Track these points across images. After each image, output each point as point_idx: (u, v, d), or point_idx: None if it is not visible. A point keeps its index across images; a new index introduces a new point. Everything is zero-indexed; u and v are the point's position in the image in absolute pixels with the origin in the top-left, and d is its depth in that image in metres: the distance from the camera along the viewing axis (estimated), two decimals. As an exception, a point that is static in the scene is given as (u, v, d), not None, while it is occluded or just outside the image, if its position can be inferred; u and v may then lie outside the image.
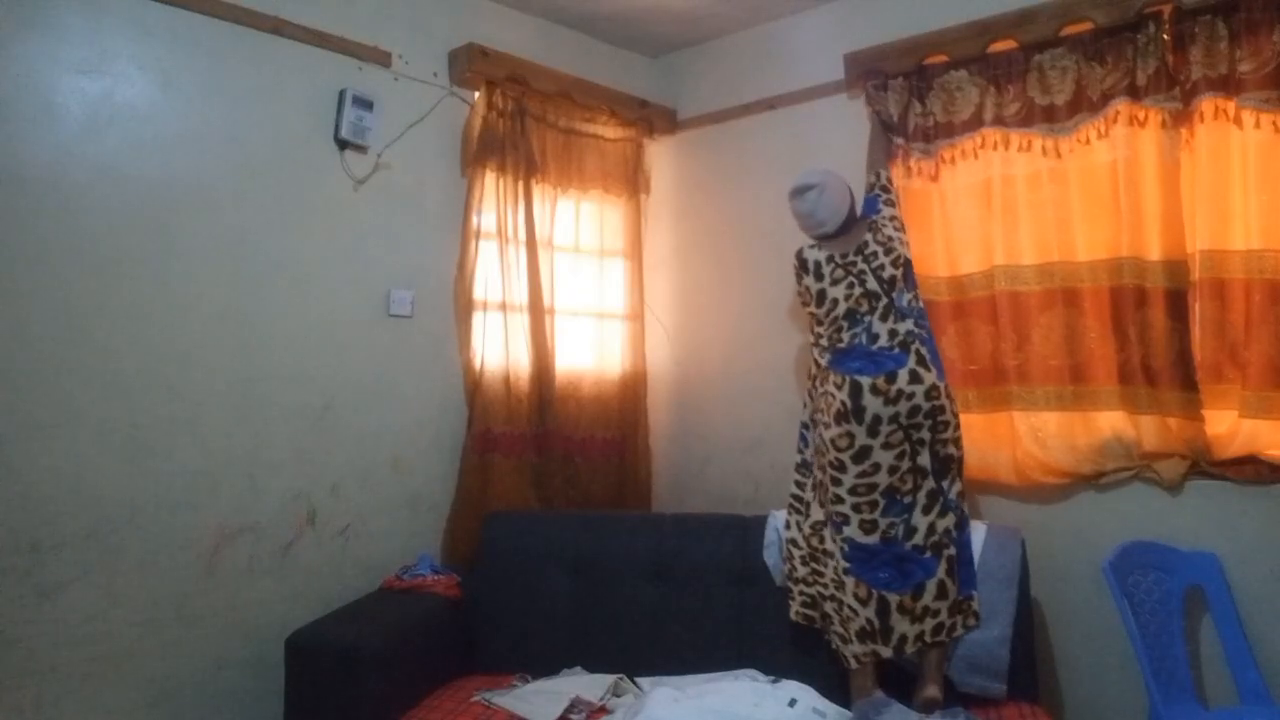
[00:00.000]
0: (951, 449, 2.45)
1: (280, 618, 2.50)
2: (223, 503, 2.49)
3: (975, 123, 2.82)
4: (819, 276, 2.59)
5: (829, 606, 2.46)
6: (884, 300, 2.52)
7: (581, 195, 3.42)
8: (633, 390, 3.50)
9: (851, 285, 2.54)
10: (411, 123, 2.95)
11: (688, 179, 3.75)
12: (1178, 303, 2.44)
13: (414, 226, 2.96)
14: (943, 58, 2.89)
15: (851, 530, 2.39)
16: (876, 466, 2.39)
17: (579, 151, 3.40)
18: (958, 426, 2.48)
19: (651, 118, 3.65)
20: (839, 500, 2.42)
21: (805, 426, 2.72)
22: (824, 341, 2.58)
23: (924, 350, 2.47)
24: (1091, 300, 2.61)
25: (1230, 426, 2.41)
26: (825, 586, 2.47)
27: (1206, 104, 2.42)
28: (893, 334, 2.48)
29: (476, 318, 3.07)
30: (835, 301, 2.54)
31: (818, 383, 2.60)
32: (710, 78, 3.66)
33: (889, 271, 2.55)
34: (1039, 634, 2.61)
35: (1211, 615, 2.39)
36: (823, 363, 2.57)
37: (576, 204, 3.42)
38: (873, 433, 2.38)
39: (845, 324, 2.53)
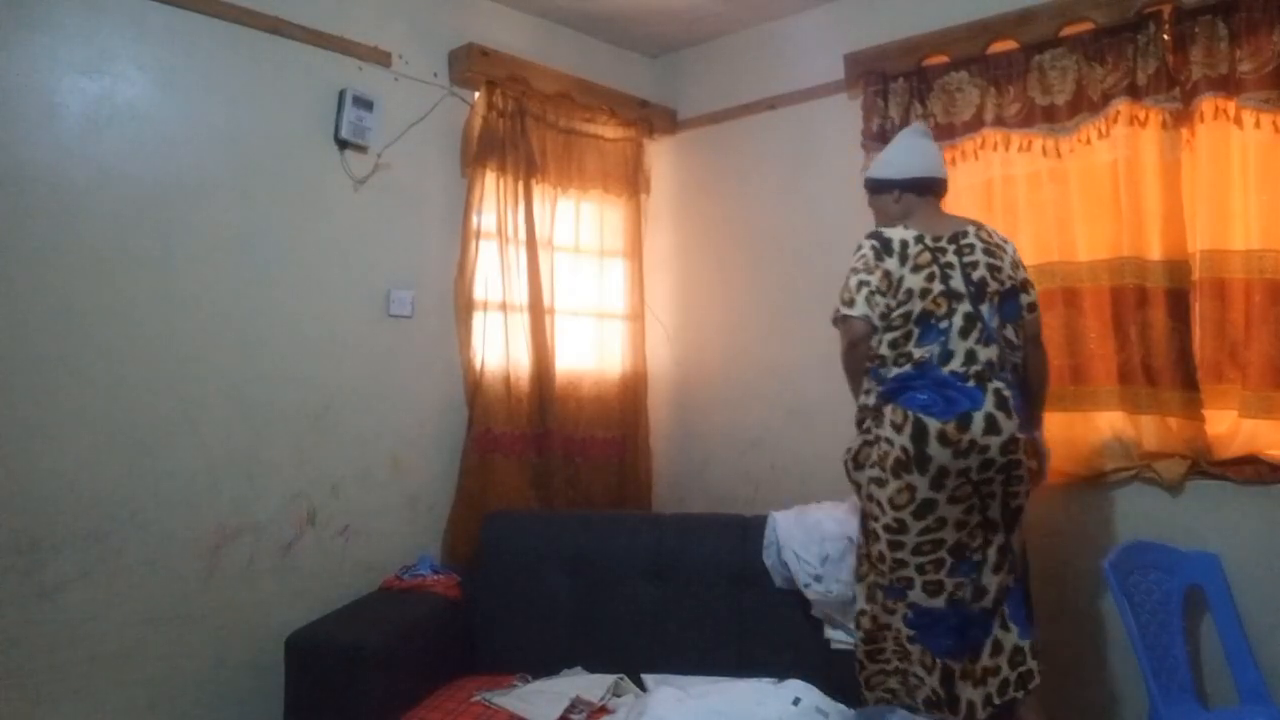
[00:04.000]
0: (1023, 500, 2.15)
1: (280, 618, 2.49)
2: (223, 503, 2.49)
3: (976, 123, 2.82)
4: (902, 258, 2.14)
5: (893, 681, 2.21)
6: (966, 307, 2.10)
7: (581, 195, 3.42)
8: (633, 390, 3.50)
9: (932, 277, 2.12)
10: (411, 123, 2.95)
11: (688, 179, 3.75)
12: (1178, 302, 2.44)
13: (414, 226, 2.96)
14: (943, 58, 2.89)
15: (915, 595, 2.09)
16: (942, 521, 2.06)
17: (579, 151, 3.40)
18: (1030, 480, 2.19)
19: (651, 118, 3.65)
20: (901, 565, 2.10)
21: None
22: (884, 352, 2.13)
23: (1006, 391, 2.07)
24: (1092, 300, 2.61)
25: (1230, 426, 2.42)
26: (888, 661, 2.21)
27: (1207, 104, 2.41)
28: (970, 358, 2.08)
29: (476, 318, 3.07)
30: (909, 294, 2.11)
31: (867, 425, 2.18)
32: (710, 78, 3.66)
33: (981, 273, 2.15)
34: (1039, 633, 2.61)
35: (1211, 615, 2.39)
36: (875, 394, 2.14)
37: (576, 204, 3.42)
38: (937, 485, 2.03)
39: (916, 330, 2.11)
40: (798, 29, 3.37)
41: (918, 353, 2.09)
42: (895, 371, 2.11)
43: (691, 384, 3.67)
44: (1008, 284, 2.18)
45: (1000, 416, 2.04)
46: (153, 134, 2.39)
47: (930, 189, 2.32)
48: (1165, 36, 2.46)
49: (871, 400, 2.16)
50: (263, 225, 2.60)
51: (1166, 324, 2.44)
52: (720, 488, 3.49)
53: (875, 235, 2.22)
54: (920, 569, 2.08)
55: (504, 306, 3.11)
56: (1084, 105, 2.61)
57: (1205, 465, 2.44)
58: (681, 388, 3.69)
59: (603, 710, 2.40)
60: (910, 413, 2.04)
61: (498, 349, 3.11)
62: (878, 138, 2.99)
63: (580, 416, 3.35)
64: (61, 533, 2.20)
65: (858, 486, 2.22)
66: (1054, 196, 2.68)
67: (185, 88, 2.45)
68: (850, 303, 2.15)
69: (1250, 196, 2.37)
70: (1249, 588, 2.36)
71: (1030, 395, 2.25)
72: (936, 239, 2.17)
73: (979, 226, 2.26)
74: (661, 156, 3.77)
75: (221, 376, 2.50)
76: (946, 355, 2.08)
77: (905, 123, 2.95)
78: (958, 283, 2.13)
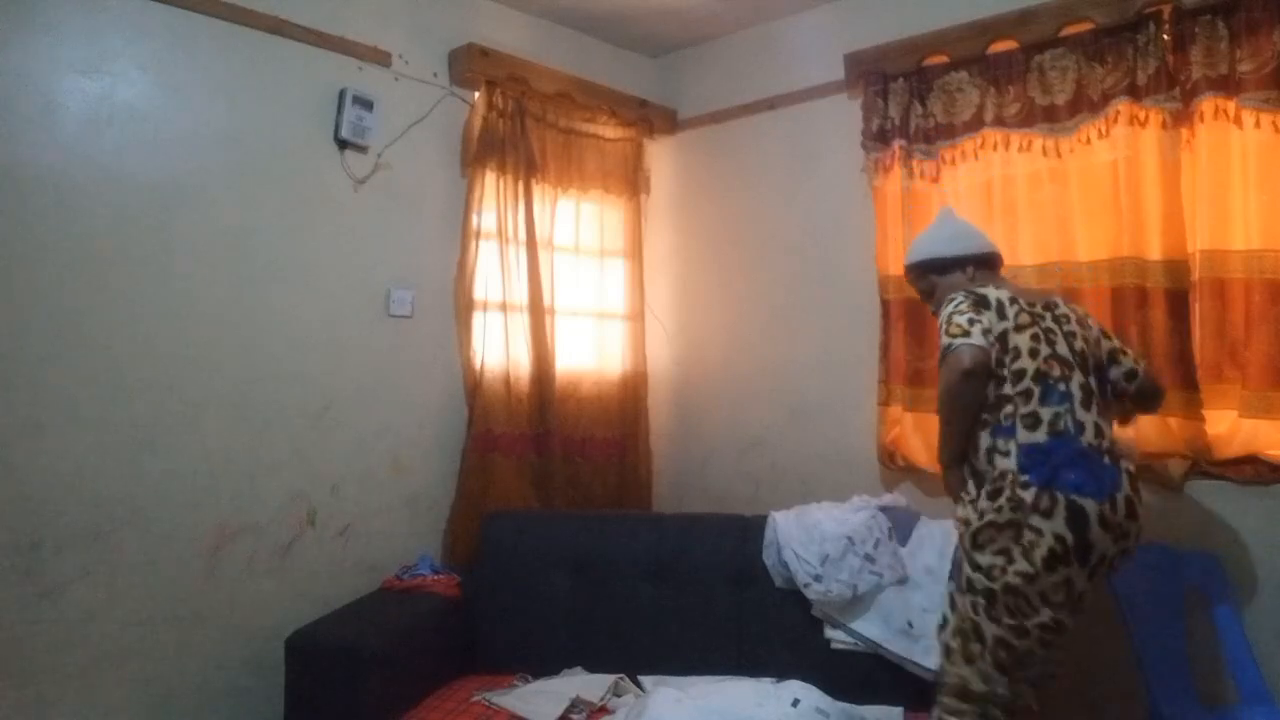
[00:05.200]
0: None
1: (280, 618, 2.49)
2: (223, 503, 2.49)
3: (976, 123, 2.82)
4: (1001, 314, 1.99)
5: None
6: (1079, 377, 1.95)
7: (581, 195, 3.42)
8: (633, 390, 3.50)
9: (1038, 338, 1.96)
10: (411, 123, 2.95)
11: (688, 179, 3.75)
12: (1178, 302, 2.44)
13: (414, 226, 2.96)
14: (943, 58, 2.89)
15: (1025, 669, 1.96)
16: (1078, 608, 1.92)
17: (579, 151, 3.40)
18: None
19: (651, 118, 3.65)
20: (1027, 650, 1.91)
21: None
22: (1006, 409, 1.92)
23: (1133, 471, 1.95)
24: (1092, 300, 2.61)
25: (1230, 426, 2.41)
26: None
27: (1207, 104, 2.41)
28: (1098, 432, 1.92)
29: (477, 318, 3.07)
30: (1018, 352, 1.94)
31: (998, 503, 1.89)
32: (710, 78, 3.66)
33: (1080, 344, 2.01)
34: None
35: (1211, 615, 2.39)
36: (1011, 467, 1.89)
37: (576, 204, 3.42)
38: (1093, 574, 1.87)
39: (1036, 389, 1.92)
40: (798, 29, 3.37)
41: (1046, 413, 1.90)
42: (1030, 439, 1.89)
43: (691, 384, 3.67)
44: (1103, 357, 2.08)
45: (1137, 501, 1.91)
46: (153, 134, 2.39)
47: (998, 264, 2.28)
48: (1165, 36, 2.46)
49: (1000, 469, 1.91)
50: (263, 225, 2.60)
51: (1166, 324, 2.44)
52: (720, 488, 3.49)
53: (967, 292, 2.04)
54: (1043, 643, 1.92)
55: (504, 306, 3.11)
56: (1084, 105, 2.62)
57: (1205, 465, 2.44)
58: (681, 388, 3.70)
59: (603, 710, 2.40)
60: (1062, 497, 1.82)
61: (498, 349, 3.11)
62: (878, 138, 3.00)
63: (580, 416, 3.35)
64: (61, 533, 2.20)
65: (975, 567, 1.92)
66: (1054, 196, 2.68)
67: (185, 88, 2.45)
68: (964, 333, 1.92)
69: (1250, 196, 2.37)
70: (1249, 588, 2.36)
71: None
72: (1030, 304, 2.03)
73: (1060, 300, 2.14)
74: (661, 156, 3.77)
75: (221, 376, 2.50)
76: (1079, 426, 1.90)
77: (905, 122, 2.95)
78: (1064, 350, 1.97)
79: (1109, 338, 2.15)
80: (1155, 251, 2.46)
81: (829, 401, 3.21)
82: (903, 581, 2.59)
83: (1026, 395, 1.91)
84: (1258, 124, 2.34)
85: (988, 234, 2.36)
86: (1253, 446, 2.37)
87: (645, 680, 2.57)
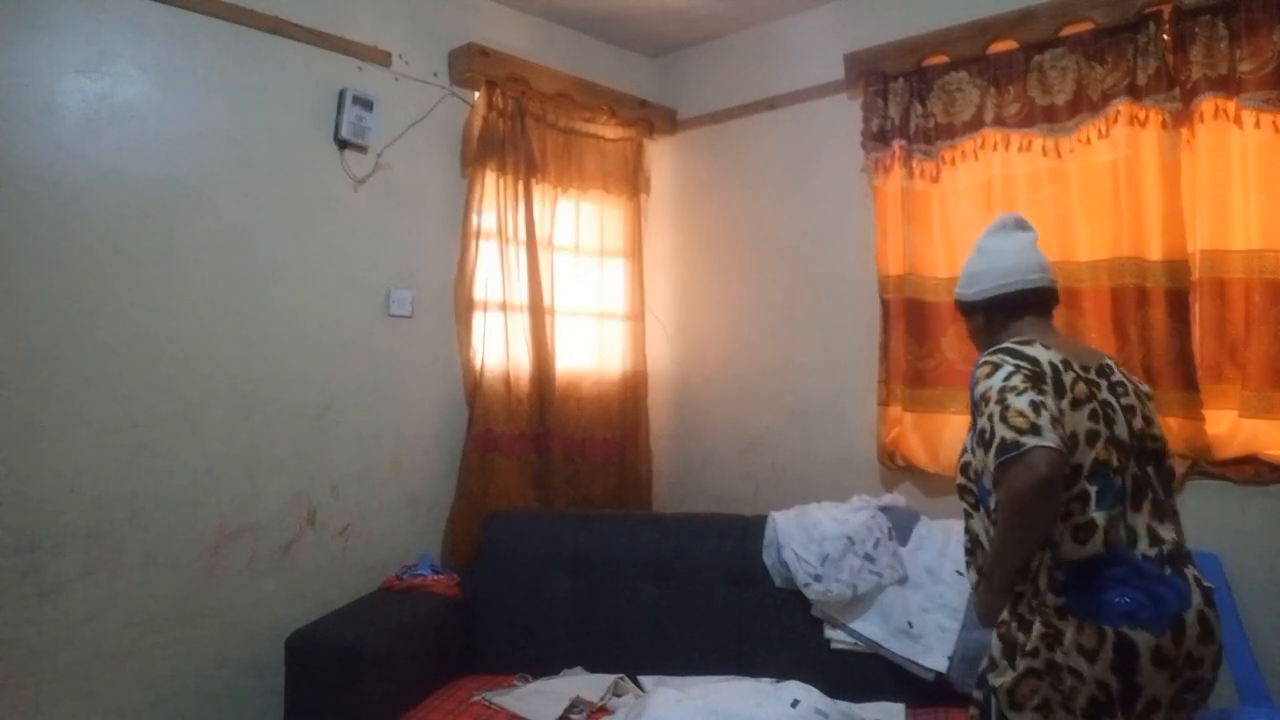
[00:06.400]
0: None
1: (280, 618, 2.50)
2: (223, 503, 2.49)
3: (976, 123, 2.82)
4: (1058, 387, 1.53)
5: None
6: (1134, 468, 1.55)
7: (581, 195, 3.42)
8: (633, 390, 3.50)
9: (1095, 416, 1.54)
10: (411, 123, 2.95)
11: (688, 179, 3.75)
12: (1178, 302, 2.44)
13: (414, 226, 2.96)
14: (943, 58, 2.89)
15: None
16: None
17: (579, 151, 3.40)
18: None
19: (651, 118, 3.65)
20: None
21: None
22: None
23: (1207, 581, 1.54)
24: (1092, 300, 2.61)
25: (1230, 426, 2.41)
26: None
27: (1207, 104, 2.41)
28: (1153, 536, 1.51)
29: (476, 318, 3.07)
30: (1074, 439, 1.51)
31: (1031, 644, 1.48)
32: (710, 78, 3.66)
33: (1140, 423, 1.60)
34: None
35: (1212, 615, 2.39)
36: (1045, 590, 1.49)
37: (576, 204, 3.42)
38: None
39: (1093, 489, 1.49)
40: (797, 29, 3.37)
41: (1101, 518, 1.48)
42: (1079, 553, 1.48)
43: (691, 384, 3.67)
44: (1160, 442, 1.64)
45: (1212, 616, 1.49)
46: (153, 134, 2.39)
47: (1054, 301, 1.80)
48: (1165, 36, 2.46)
49: (1036, 603, 1.50)
50: (263, 225, 2.60)
51: (1166, 324, 2.44)
52: (720, 488, 3.48)
53: (1012, 353, 1.57)
54: None
55: (504, 306, 3.11)
56: (1084, 105, 2.61)
57: (1205, 465, 2.44)
58: (681, 388, 3.69)
59: (602, 710, 2.40)
60: (1109, 631, 1.42)
61: (498, 349, 3.11)
62: (878, 138, 3.00)
63: (580, 416, 3.35)
64: (61, 533, 2.20)
65: None
66: (1054, 196, 2.68)
67: (185, 88, 2.45)
68: (1034, 429, 1.43)
69: (1250, 196, 2.37)
70: (1249, 588, 2.35)
71: None
72: (1085, 369, 1.60)
73: (1113, 361, 1.72)
74: (661, 156, 3.77)
75: (221, 376, 2.50)
76: (1131, 532, 1.50)
77: (905, 122, 2.95)
78: (1122, 430, 1.56)
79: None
80: (1155, 251, 2.46)
81: (829, 402, 3.21)
82: (902, 581, 2.60)
83: (1082, 500, 1.49)
84: (1258, 124, 2.34)
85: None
86: (1253, 446, 2.37)
87: (645, 680, 2.57)
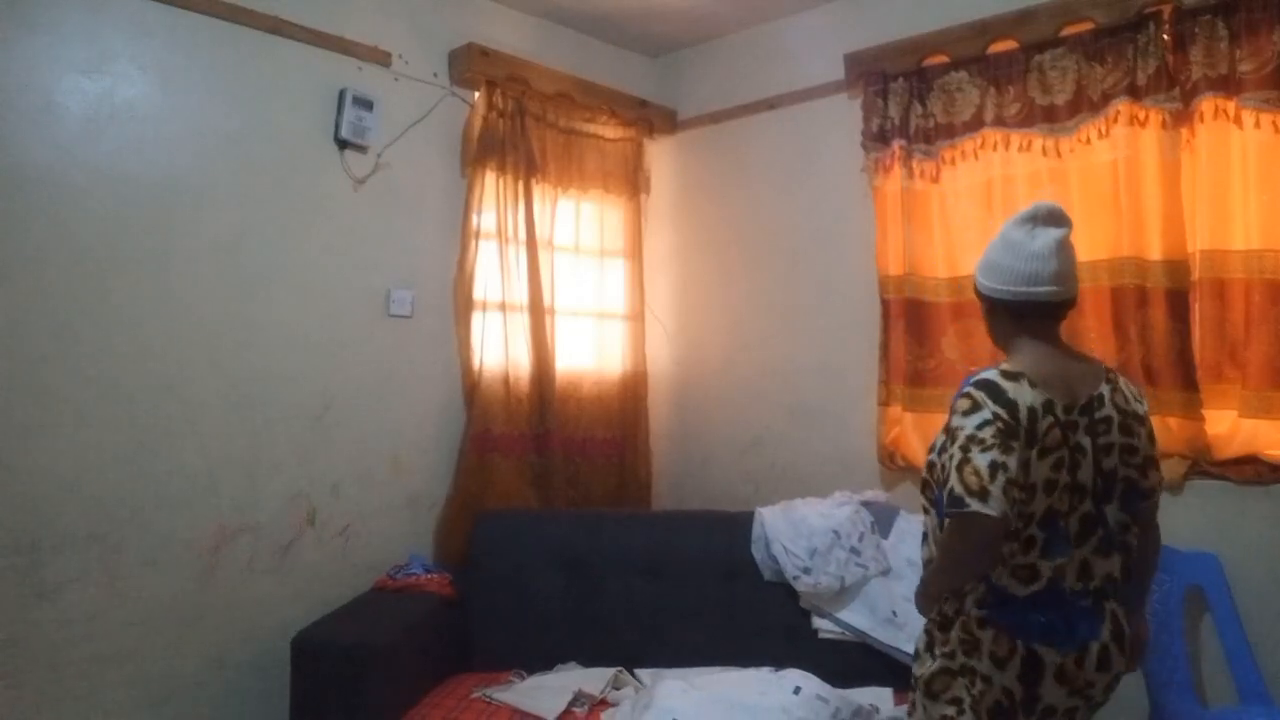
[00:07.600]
0: None
1: (280, 618, 2.50)
2: (223, 503, 2.49)
3: (976, 123, 2.82)
4: (1031, 436, 1.54)
5: None
6: (1088, 506, 1.58)
7: (581, 195, 3.42)
8: (633, 390, 3.49)
9: (1060, 465, 1.56)
10: (411, 123, 2.95)
11: (688, 179, 3.75)
12: (1178, 303, 2.44)
13: (414, 226, 2.96)
14: (943, 58, 2.89)
15: None
16: None
17: (579, 151, 3.40)
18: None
19: (651, 118, 3.65)
20: None
21: None
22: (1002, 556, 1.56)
23: (1123, 619, 1.64)
24: (1092, 300, 2.61)
25: (1230, 426, 2.41)
26: None
27: (1207, 104, 2.41)
28: (1084, 571, 1.58)
29: (476, 318, 3.07)
30: (1033, 489, 1.54)
31: (949, 647, 1.62)
32: (710, 78, 3.66)
33: (1113, 462, 1.61)
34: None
35: (1211, 615, 2.39)
36: (969, 604, 1.60)
37: (576, 204, 3.42)
38: None
39: (1041, 536, 1.55)
40: (797, 29, 3.37)
41: (1047, 567, 1.56)
42: (1018, 589, 1.57)
43: (691, 384, 3.67)
44: (1136, 470, 1.64)
45: (1114, 651, 1.61)
46: (153, 134, 2.39)
47: (1066, 309, 1.71)
48: (1165, 36, 2.46)
49: (958, 608, 1.62)
50: (263, 225, 2.60)
51: (1166, 324, 2.44)
52: (720, 487, 3.48)
53: (994, 394, 1.56)
54: None
55: (504, 306, 3.11)
56: (1084, 105, 2.61)
57: (1205, 465, 2.44)
58: (681, 388, 3.70)
59: (604, 703, 2.41)
60: (1019, 643, 1.55)
61: (497, 349, 3.11)
62: (878, 138, 3.00)
63: (580, 417, 3.35)
64: (61, 533, 2.20)
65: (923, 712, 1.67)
66: (1054, 196, 2.66)
67: (185, 88, 2.45)
68: (982, 494, 1.48)
69: (1250, 196, 2.37)
70: (1249, 588, 2.35)
71: (1137, 577, 1.73)
72: (1068, 409, 1.59)
73: (1111, 380, 1.67)
74: (661, 156, 3.77)
75: (221, 376, 2.50)
76: (1077, 572, 1.59)
77: (905, 122, 2.95)
78: (1086, 474, 1.58)
79: (1153, 441, 1.71)
80: (1155, 251, 2.46)
81: (829, 401, 3.21)
82: (886, 573, 2.67)
83: (1029, 544, 1.55)
84: (1258, 124, 2.34)
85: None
86: (1252, 446, 2.37)
87: (642, 674, 2.60)
